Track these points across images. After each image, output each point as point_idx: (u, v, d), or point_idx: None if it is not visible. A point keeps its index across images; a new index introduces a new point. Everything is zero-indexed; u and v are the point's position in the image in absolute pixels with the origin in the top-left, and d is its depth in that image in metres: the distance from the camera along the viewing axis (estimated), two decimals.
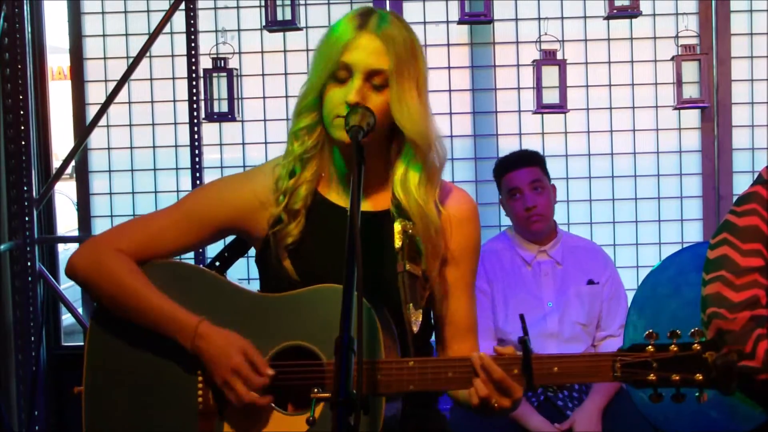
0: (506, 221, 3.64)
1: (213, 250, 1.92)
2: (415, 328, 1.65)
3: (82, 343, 3.76)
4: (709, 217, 3.68)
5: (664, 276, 2.22)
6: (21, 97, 3.49)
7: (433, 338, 1.84)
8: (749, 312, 1.88)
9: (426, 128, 1.68)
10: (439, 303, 1.76)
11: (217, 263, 1.89)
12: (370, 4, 3.64)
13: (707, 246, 2.02)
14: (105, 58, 3.75)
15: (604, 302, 2.96)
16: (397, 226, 1.70)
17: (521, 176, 2.95)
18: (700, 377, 1.49)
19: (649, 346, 1.51)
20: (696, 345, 1.50)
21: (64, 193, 5.71)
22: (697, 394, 1.50)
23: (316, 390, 1.57)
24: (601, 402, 2.78)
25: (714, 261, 1.97)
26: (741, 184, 3.53)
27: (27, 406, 3.48)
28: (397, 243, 1.69)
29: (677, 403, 1.50)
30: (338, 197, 1.74)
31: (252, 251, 1.88)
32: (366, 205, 1.73)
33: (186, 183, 3.61)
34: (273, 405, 1.63)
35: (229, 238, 1.92)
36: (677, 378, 1.49)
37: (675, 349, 1.50)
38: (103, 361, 1.73)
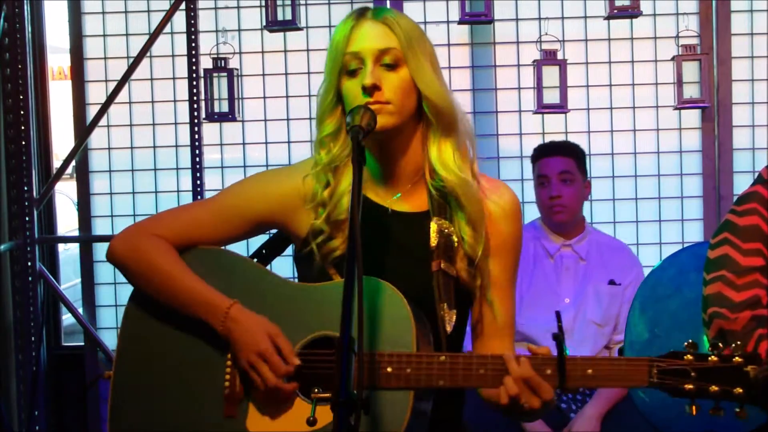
0: None
1: (253, 246, 1.93)
2: (449, 328, 1.64)
3: (82, 343, 3.79)
4: (710, 217, 3.68)
5: (665, 276, 2.22)
6: (21, 97, 3.49)
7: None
8: (750, 312, 1.88)
9: (449, 98, 1.68)
10: (476, 299, 1.74)
11: (255, 260, 1.88)
12: (370, 5, 3.64)
13: (707, 246, 2.02)
14: (105, 58, 3.75)
15: (624, 304, 2.91)
16: (433, 226, 1.68)
17: (552, 165, 2.97)
18: (740, 391, 1.44)
19: (688, 355, 1.47)
20: (738, 357, 1.45)
21: (65, 193, 5.71)
22: (737, 409, 1.45)
23: (316, 390, 1.57)
24: (603, 407, 2.75)
25: (715, 261, 1.96)
26: (741, 184, 3.53)
27: (27, 406, 3.48)
28: (433, 242, 1.67)
29: (716, 416, 1.45)
30: (376, 196, 1.72)
31: (289, 250, 1.88)
32: (404, 206, 1.72)
33: (186, 183, 3.61)
34: (298, 393, 1.62)
35: (264, 237, 1.91)
36: (716, 389, 1.45)
37: (715, 359, 1.46)
38: (135, 344, 1.75)
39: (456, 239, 1.68)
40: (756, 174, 2.06)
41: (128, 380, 1.73)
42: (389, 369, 1.53)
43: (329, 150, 1.69)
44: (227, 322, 1.63)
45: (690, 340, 1.48)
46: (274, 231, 1.89)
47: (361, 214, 1.67)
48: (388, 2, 3.64)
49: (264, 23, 3.46)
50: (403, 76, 1.64)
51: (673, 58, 3.49)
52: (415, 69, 1.64)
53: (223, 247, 1.79)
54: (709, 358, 1.46)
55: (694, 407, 1.46)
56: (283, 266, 1.84)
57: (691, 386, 1.46)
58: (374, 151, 1.70)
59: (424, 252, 1.68)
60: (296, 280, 1.81)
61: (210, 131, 3.69)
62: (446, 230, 1.68)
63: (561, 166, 2.96)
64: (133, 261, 1.73)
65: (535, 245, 2.99)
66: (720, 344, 1.48)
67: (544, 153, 3.02)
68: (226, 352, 1.67)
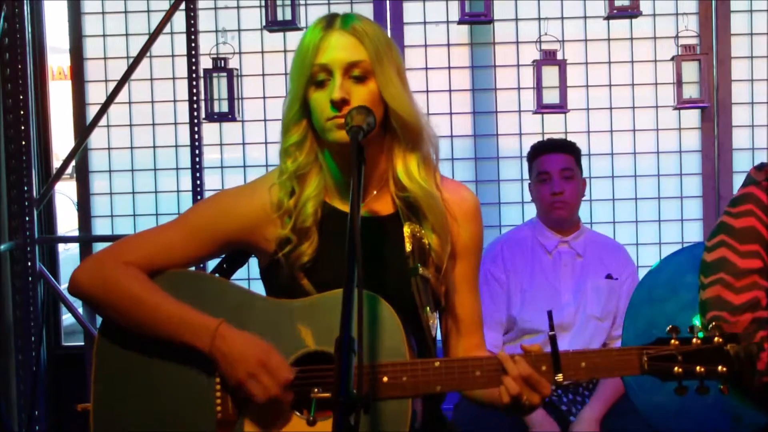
0: (506, 221, 3.65)
1: (212, 261, 1.90)
2: (433, 332, 1.65)
3: (82, 343, 3.79)
4: (709, 217, 3.68)
5: (660, 278, 2.20)
6: (21, 97, 3.49)
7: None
8: (751, 314, 1.88)
9: (414, 110, 1.67)
10: (445, 300, 1.75)
11: (216, 275, 1.85)
12: (370, 5, 3.65)
13: (703, 247, 2.01)
14: (105, 58, 3.75)
15: (621, 299, 2.92)
16: (407, 230, 1.69)
17: (554, 161, 2.95)
18: (724, 369, 1.53)
19: (673, 340, 1.56)
20: (717, 338, 1.55)
21: (64, 193, 5.71)
22: (720, 386, 1.55)
23: (316, 390, 1.57)
24: (602, 409, 2.74)
25: (712, 264, 1.96)
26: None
27: (27, 406, 3.48)
28: (408, 247, 1.68)
29: (702, 395, 1.55)
30: (342, 203, 1.71)
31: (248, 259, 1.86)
32: (370, 211, 1.72)
33: (186, 183, 3.61)
34: (294, 410, 1.61)
35: None
36: (702, 370, 1.54)
37: (698, 342, 1.55)
38: (112, 376, 1.68)
39: (427, 242, 1.69)
40: None
41: (110, 414, 1.68)
42: (385, 378, 1.53)
43: (295, 159, 1.69)
44: (217, 341, 1.60)
45: (671, 325, 1.57)
46: None
47: (329, 223, 1.68)
48: (388, 3, 3.64)
49: (264, 23, 3.46)
50: (371, 89, 1.63)
51: (672, 58, 3.49)
52: (383, 83, 1.63)
53: (192, 269, 1.76)
54: (693, 341, 1.55)
55: (680, 389, 1.55)
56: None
57: (679, 369, 1.55)
58: (338, 160, 1.69)
59: (399, 257, 1.68)
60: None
61: (210, 131, 3.69)
62: (418, 234, 1.69)
63: (563, 163, 2.95)
64: (102, 293, 1.67)
65: (533, 242, 2.99)
66: (697, 324, 1.59)
67: (544, 150, 3.00)
68: (213, 374, 1.64)
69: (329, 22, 1.65)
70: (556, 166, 2.94)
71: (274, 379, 1.57)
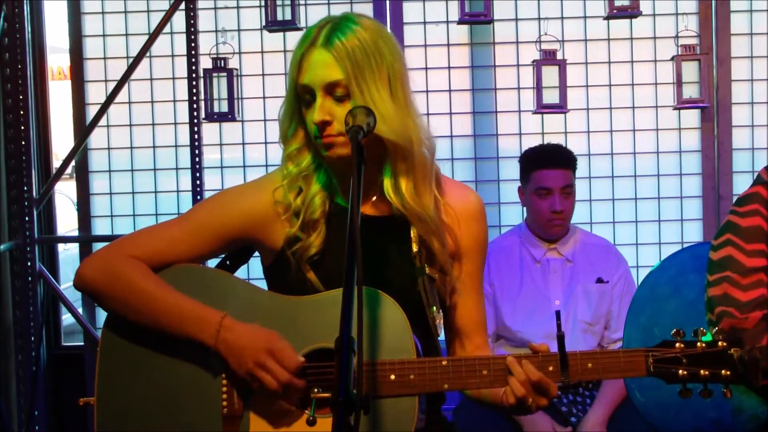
0: (506, 220, 3.65)
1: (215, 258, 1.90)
2: (440, 331, 1.66)
3: (82, 343, 3.79)
4: (709, 217, 3.68)
5: (664, 276, 2.21)
6: (21, 97, 3.49)
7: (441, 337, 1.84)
8: (761, 311, 1.89)
9: (401, 125, 1.63)
10: (449, 301, 1.76)
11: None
12: (370, 5, 3.65)
13: (707, 246, 2.02)
14: (105, 58, 3.75)
15: (614, 302, 2.91)
16: (414, 231, 1.69)
17: (555, 178, 2.88)
18: (728, 373, 1.55)
19: (678, 343, 1.57)
20: (722, 342, 1.56)
21: (64, 193, 5.71)
22: (723, 389, 1.56)
23: (316, 390, 1.57)
24: (606, 412, 2.73)
25: (718, 262, 1.96)
26: (741, 184, 3.53)
27: (27, 406, 3.48)
28: (414, 247, 1.69)
29: (704, 398, 1.57)
30: (348, 202, 1.72)
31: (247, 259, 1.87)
32: (373, 211, 1.73)
33: (186, 183, 3.61)
34: (299, 407, 1.62)
35: None
36: (706, 373, 1.56)
37: (702, 345, 1.57)
38: (117, 371, 1.69)
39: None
40: (755, 174, 2.06)
41: (114, 409, 1.68)
42: (392, 377, 1.54)
43: (298, 163, 1.70)
44: (222, 333, 1.60)
45: (676, 329, 1.58)
46: None
47: (336, 219, 1.69)
48: (387, 3, 3.64)
49: (263, 23, 3.46)
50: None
51: (672, 58, 3.50)
52: (360, 103, 1.59)
53: (201, 264, 1.76)
54: (697, 345, 1.57)
55: (685, 392, 1.56)
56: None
57: (684, 372, 1.56)
58: (337, 170, 1.70)
59: (406, 256, 1.69)
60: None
61: (210, 131, 3.69)
62: (423, 234, 1.70)
63: (564, 180, 2.88)
64: (108, 285, 1.67)
65: (522, 251, 2.97)
66: (702, 329, 1.58)
67: (544, 164, 2.92)
68: (219, 370, 1.64)
69: (315, 35, 1.63)
70: (557, 183, 2.87)
71: (284, 364, 1.57)
